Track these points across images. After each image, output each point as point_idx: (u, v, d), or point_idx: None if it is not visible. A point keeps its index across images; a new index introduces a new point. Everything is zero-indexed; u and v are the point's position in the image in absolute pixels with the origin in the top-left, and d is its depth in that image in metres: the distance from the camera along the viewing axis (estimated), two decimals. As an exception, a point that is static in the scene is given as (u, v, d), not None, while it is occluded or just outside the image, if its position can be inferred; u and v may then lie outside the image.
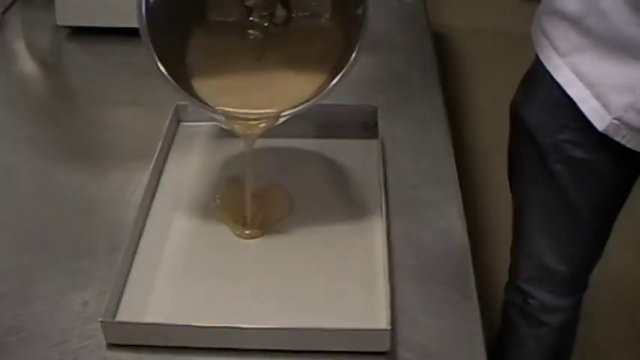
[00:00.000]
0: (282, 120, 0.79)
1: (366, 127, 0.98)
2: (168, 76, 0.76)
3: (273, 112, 0.79)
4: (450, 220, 0.88)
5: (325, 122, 0.96)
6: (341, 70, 0.77)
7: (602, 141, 0.95)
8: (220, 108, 0.79)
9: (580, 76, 0.94)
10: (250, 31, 0.83)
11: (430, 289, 0.79)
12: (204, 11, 0.86)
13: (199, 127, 1.01)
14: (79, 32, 1.28)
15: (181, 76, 0.78)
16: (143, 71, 1.19)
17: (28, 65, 1.24)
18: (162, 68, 0.76)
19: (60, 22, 1.26)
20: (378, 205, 0.87)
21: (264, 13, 0.82)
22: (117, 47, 1.24)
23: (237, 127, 0.81)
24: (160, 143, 0.93)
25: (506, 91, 1.17)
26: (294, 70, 0.83)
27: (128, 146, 1.02)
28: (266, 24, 0.83)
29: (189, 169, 0.95)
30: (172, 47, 0.80)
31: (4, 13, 1.34)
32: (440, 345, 0.74)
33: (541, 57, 1.00)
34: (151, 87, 1.15)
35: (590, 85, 0.93)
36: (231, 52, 0.84)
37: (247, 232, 0.85)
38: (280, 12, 0.83)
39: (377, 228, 0.84)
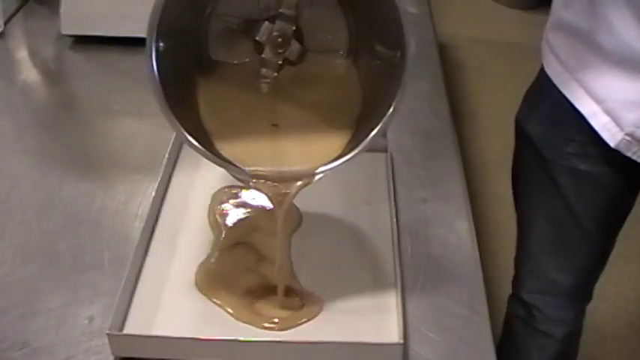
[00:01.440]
0: (317, 178, 0.71)
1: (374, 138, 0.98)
2: (198, 145, 0.67)
3: (308, 171, 0.71)
4: (459, 236, 0.87)
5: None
6: (378, 119, 0.68)
7: (607, 154, 0.95)
8: (255, 170, 0.71)
9: (589, 92, 0.93)
10: (263, 70, 0.76)
11: (440, 305, 0.79)
12: (209, 52, 0.78)
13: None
14: (83, 41, 1.27)
15: (200, 134, 0.70)
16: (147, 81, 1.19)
17: (31, 74, 1.23)
18: (192, 140, 0.67)
19: (65, 31, 1.25)
20: (388, 219, 0.86)
21: (279, 50, 0.75)
22: (121, 57, 1.23)
23: (269, 189, 0.72)
24: (166, 155, 0.93)
25: (508, 101, 1.17)
26: (317, 120, 0.76)
27: (133, 157, 1.01)
28: (280, 61, 0.76)
29: (196, 181, 0.94)
30: (183, 101, 0.72)
31: (7, 22, 1.33)
32: (451, 361, 0.73)
33: (548, 72, 0.99)
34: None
35: (599, 101, 0.92)
36: (246, 103, 0.77)
37: (274, 322, 0.75)
38: (295, 46, 0.75)
39: (387, 243, 0.83)
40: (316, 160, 0.71)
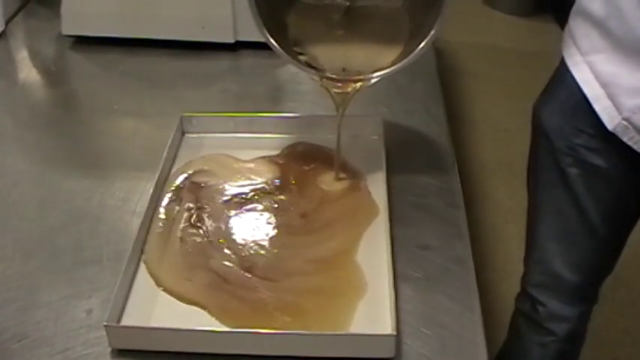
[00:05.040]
0: (373, 81, 0.89)
1: (370, 138, 0.99)
2: (282, 50, 0.87)
3: (367, 75, 0.89)
4: (453, 233, 0.88)
5: (332, 132, 0.96)
6: (422, 39, 0.86)
7: (615, 147, 0.97)
8: (326, 72, 0.89)
9: (597, 76, 0.96)
10: (338, 1, 0.94)
11: (434, 301, 0.79)
12: None
13: (203, 138, 1.02)
14: (83, 42, 1.28)
15: (287, 48, 0.89)
16: (147, 82, 1.20)
17: (32, 74, 1.25)
18: (276, 44, 0.87)
19: (65, 32, 1.27)
20: (382, 216, 0.87)
21: None
22: (121, 57, 1.25)
23: (335, 89, 0.91)
24: (164, 153, 0.94)
25: (504, 107, 1.18)
26: (375, 42, 0.94)
27: (132, 156, 1.02)
28: None
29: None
30: (276, 23, 0.90)
31: (8, 22, 1.34)
32: (443, 356, 0.74)
33: (565, 55, 1.02)
34: (154, 98, 1.17)
35: (604, 85, 0.95)
36: (323, 28, 0.96)
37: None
38: None
39: (381, 239, 0.84)
40: (373, 68, 0.89)
